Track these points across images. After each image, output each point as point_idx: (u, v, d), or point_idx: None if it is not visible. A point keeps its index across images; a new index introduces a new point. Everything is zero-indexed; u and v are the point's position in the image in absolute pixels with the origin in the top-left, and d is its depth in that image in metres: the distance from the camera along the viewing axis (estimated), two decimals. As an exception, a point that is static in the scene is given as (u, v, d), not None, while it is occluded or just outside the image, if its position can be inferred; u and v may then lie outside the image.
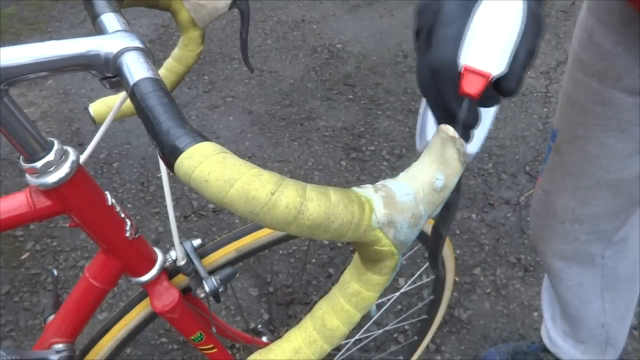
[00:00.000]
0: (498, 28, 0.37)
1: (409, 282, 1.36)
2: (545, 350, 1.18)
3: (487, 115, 0.44)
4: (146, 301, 0.71)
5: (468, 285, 1.49)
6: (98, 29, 0.46)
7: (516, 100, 2.14)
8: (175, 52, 0.66)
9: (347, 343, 1.12)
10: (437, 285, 1.01)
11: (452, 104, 0.38)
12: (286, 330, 0.40)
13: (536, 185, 0.96)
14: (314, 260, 1.55)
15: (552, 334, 1.14)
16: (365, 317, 1.11)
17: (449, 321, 1.41)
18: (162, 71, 0.66)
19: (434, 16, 0.39)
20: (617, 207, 0.85)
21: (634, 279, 1.01)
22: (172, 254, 0.68)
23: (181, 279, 0.71)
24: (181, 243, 0.69)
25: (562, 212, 0.90)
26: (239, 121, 2.06)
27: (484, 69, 0.36)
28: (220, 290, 0.69)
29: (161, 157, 0.33)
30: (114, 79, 0.43)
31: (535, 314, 1.42)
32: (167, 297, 0.67)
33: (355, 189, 0.35)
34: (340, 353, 1.11)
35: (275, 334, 1.33)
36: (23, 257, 1.55)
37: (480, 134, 0.43)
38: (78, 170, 0.52)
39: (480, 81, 0.36)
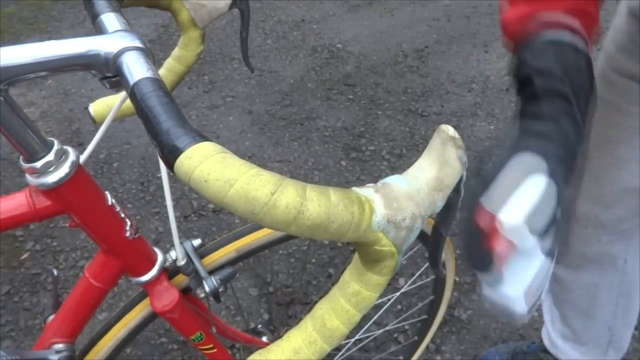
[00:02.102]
0: (516, 186, 0.40)
1: (409, 282, 1.36)
2: (545, 350, 1.18)
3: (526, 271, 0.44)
4: (146, 301, 0.71)
5: (468, 285, 1.49)
6: (98, 29, 0.46)
7: (516, 101, 2.13)
8: (175, 52, 0.66)
9: (347, 343, 1.12)
10: (438, 286, 1.01)
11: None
12: (286, 330, 0.40)
13: None
14: (314, 260, 1.55)
15: (552, 335, 1.14)
16: (365, 317, 1.11)
17: (449, 321, 1.41)
18: (162, 71, 0.66)
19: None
20: None
21: None
22: (172, 254, 0.68)
23: (181, 279, 0.71)
24: (181, 243, 0.69)
25: (584, 218, 0.89)
26: (239, 121, 2.06)
27: (496, 212, 0.39)
28: (220, 290, 0.68)
29: (161, 157, 0.33)
30: (114, 79, 0.43)
31: (535, 314, 1.42)
32: (167, 297, 0.67)
33: (355, 189, 0.35)
34: (341, 353, 1.11)
35: (275, 334, 1.33)
36: (23, 257, 1.55)
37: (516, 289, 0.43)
38: (78, 170, 0.52)
39: (490, 220, 0.39)
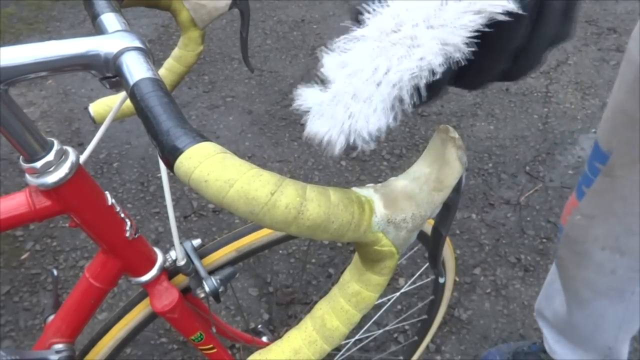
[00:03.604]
0: None
1: (409, 282, 1.36)
2: (546, 350, 1.18)
3: None
4: (146, 301, 0.71)
5: (468, 285, 1.49)
6: (98, 29, 0.46)
7: (516, 100, 2.14)
8: (175, 52, 0.66)
9: (347, 343, 1.12)
10: (437, 285, 1.01)
11: None
12: (286, 330, 0.40)
13: (569, 208, 0.90)
14: (314, 260, 1.55)
15: (550, 342, 1.14)
16: (365, 317, 1.11)
17: (449, 321, 1.41)
18: (162, 71, 0.66)
19: None
20: None
21: None
22: (172, 254, 0.68)
23: (181, 279, 0.71)
24: (181, 243, 0.69)
25: (604, 238, 0.85)
26: (239, 121, 2.06)
27: None
28: (220, 290, 0.68)
29: (161, 157, 0.33)
30: (113, 79, 0.42)
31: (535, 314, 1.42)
32: (167, 297, 0.67)
33: (355, 189, 0.35)
34: (341, 353, 1.11)
35: (275, 334, 1.33)
36: (23, 257, 1.55)
37: None
38: (78, 170, 0.52)
39: None
